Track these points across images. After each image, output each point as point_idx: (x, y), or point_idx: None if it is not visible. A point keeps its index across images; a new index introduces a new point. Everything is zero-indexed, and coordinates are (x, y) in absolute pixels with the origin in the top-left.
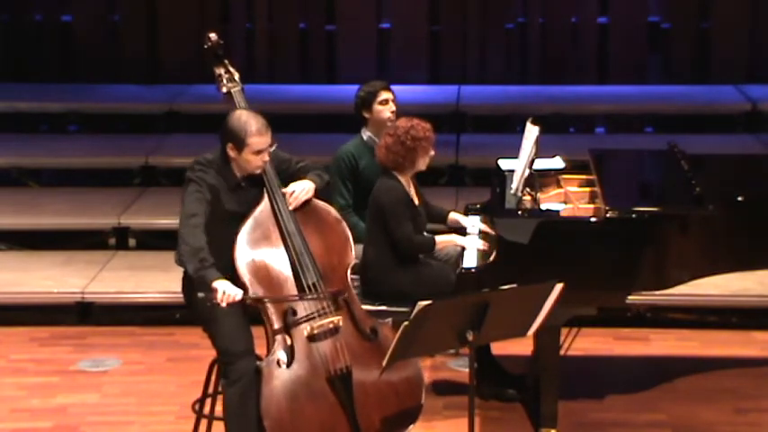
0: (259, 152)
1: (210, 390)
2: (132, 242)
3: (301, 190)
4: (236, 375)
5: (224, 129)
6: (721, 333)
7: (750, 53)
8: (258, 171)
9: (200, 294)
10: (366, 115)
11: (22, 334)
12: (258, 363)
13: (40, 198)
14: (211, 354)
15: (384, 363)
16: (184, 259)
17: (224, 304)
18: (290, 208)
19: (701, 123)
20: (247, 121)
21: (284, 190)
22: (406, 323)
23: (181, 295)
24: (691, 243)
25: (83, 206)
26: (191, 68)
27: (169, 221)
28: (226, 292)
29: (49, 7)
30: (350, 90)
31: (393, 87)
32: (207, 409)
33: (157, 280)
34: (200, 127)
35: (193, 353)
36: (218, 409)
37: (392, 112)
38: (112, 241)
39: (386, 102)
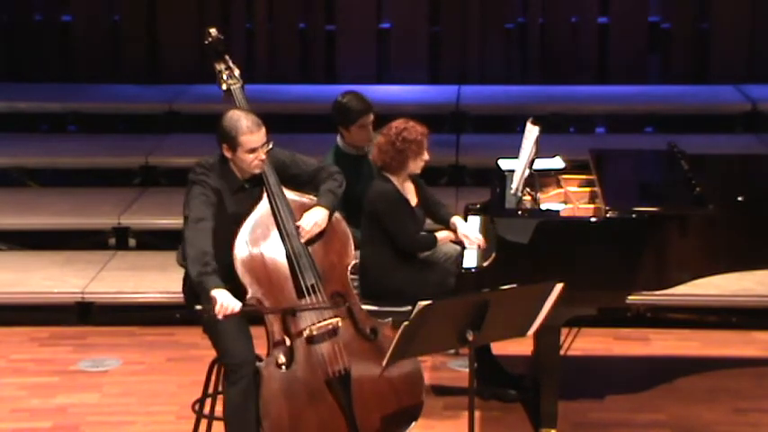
0: (253, 150)
1: (210, 390)
2: (132, 242)
3: (313, 224)
4: (236, 377)
5: (218, 130)
6: (721, 333)
7: (750, 53)
8: (257, 170)
9: (198, 307)
10: (342, 130)
11: (22, 334)
12: (258, 364)
13: (40, 198)
14: (211, 354)
15: (384, 362)
16: (188, 262)
17: (221, 316)
18: (302, 241)
19: (700, 123)
20: (238, 119)
21: (297, 223)
22: (406, 323)
23: (181, 295)
24: (691, 243)
25: (83, 206)
26: (191, 68)
27: (169, 221)
28: (224, 304)
29: (49, 7)
30: (350, 90)
31: (393, 87)
32: (207, 409)
33: (157, 280)
34: (200, 127)
35: (193, 353)
36: (219, 409)
37: (368, 138)
38: (112, 241)
39: (364, 126)
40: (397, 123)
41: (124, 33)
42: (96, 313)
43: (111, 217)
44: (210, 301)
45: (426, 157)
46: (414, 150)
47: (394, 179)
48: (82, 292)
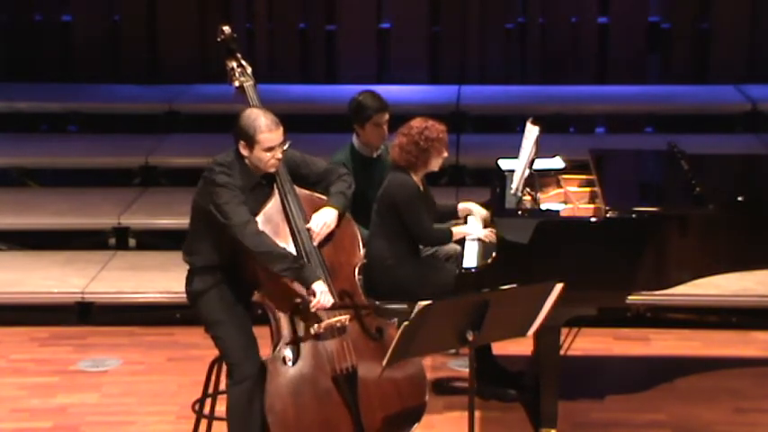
0: (270, 149)
1: (210, 390)
2: (132, 242)
3: (323, 224)
4: (240, 376)
5: (235, 127)
6: (721, 333)
7: (750, 53)
8: (272, 170)
9: (298, 300)
10: (357, 128)
11: (22, 334)
12: (264, 359)
13: (40, 198)
14: (211, 354)
15: (384, 362)
16: (273, 266)
17: (314, 310)
18: (315, 243)
19: (700, 123)
20: (257, 117)
21: (307, 226)
22: (406, 323)
23: (181, 295)
24: (691, 243)
25: (83, 206)
26: (191, 68)
27: (169, 221)
28: (321, 300)
29: (49, 7)
30: (350, 90)
31: (393, 87)
32: (207, 409)
33: (157, 280)
34: (200, 127)
35: (193, 353)
36: (219, 409)
37: (382, 138)
38: (112, 241)
39: (379, 125)
40: (416, 123)
41: (124, 33)
42: (96, 313)
43: (111, 217)
44: (309, 293)
45: (446, 153)
46: (437, 148)
47: (413, 176)
48: (82, 292)
